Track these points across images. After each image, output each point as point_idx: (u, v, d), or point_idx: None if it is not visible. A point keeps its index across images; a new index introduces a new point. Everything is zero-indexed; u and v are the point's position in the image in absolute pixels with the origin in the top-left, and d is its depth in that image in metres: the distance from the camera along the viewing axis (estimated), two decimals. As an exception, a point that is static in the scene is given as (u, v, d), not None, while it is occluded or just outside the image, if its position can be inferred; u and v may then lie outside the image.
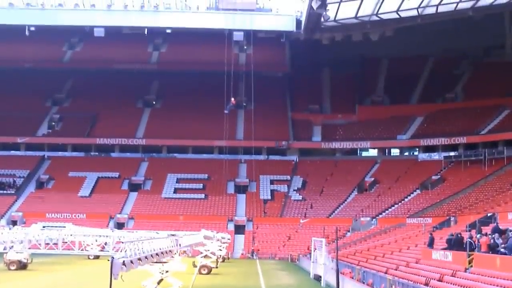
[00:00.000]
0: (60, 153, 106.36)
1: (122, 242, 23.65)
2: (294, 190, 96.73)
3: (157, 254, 24.25)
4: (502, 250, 31.89)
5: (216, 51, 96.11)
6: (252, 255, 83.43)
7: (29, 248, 43.66)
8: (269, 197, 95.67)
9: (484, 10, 77.53)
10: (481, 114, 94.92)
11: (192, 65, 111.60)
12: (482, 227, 42.49)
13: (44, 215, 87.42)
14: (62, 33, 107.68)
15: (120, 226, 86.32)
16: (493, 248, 32.99)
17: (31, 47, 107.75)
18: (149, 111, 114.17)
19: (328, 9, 74.39)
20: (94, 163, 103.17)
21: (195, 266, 49.98)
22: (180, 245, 27.95)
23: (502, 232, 34.89)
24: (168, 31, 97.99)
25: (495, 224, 41.67)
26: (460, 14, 77.71)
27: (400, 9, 75.68)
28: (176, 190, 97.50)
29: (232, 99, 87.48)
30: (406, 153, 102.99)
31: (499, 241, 33.10)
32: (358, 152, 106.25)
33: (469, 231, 41.29)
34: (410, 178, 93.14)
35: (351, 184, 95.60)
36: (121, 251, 20.90)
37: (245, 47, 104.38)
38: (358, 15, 78.01)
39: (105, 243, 49.67)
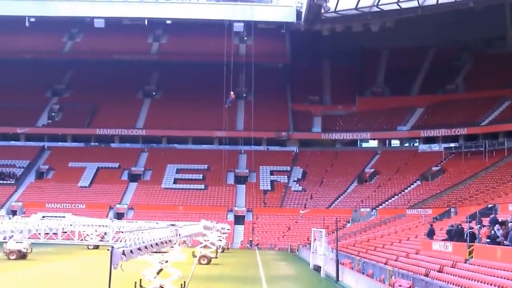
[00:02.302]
0: (60, 144, 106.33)
1: (122, 232, 23.66)
2: (294, 181, 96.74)
3: (156, 244, 24.19)
4: (505, 242, 31.83)
5: (216, 42, 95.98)
6: (250, 245, 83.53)
7: (29, 238, 43.75)
8: (269, 188, 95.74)
9: (485, 1, 77.43)
10: (482, 105, 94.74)
11: (192, 56, 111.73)
12: (482, 218, 42.46)
13: (44, 205, 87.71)
14: (62, 24, 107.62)
15: (119, 216, 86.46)
16: (493, 239, 32.94)
17: (31, 38, 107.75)
18: (149, 102, 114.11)
19: (328, 0, 74.42)
20: (94, 154, 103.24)
21: (194, 256, 50.09)
22: (179, 235, 27.90)
23: (501, 224, 34.83)
24: (168, 22, 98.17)
25: (492, 215, 41.61)
26: (460, 5, 77.52)
27: (401, 0, 75.51)
28: (176, 181, 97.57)
29: (232, 93, 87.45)
30: (406, 144, 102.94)
31: (500, 232, 33.05)
32: (358, 143, 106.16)
33: (470, 222, 41.23)
34: (410, 169, 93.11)
35: (351, 175, 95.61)
36: (120, 241, 20.87)
37: (245, 38, 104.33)
38: (359, 6, 77.89)
39: (105, 233, 49.81)
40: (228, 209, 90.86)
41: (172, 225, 28.39)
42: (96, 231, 53.82)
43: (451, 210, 68.24)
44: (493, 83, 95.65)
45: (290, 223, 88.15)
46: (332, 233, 65.54)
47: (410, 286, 30.54)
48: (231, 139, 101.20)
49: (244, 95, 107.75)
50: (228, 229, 66.95)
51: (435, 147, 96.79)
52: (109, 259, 18.79)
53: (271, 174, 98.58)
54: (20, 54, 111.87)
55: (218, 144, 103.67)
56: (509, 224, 32.99)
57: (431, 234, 43.67)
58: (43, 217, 55.56)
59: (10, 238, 45.29)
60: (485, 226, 36.85)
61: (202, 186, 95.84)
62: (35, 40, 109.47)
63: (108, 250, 19.16)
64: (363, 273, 40.72)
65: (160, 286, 26.31)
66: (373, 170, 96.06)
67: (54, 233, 42.82)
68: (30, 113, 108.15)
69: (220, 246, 61.47)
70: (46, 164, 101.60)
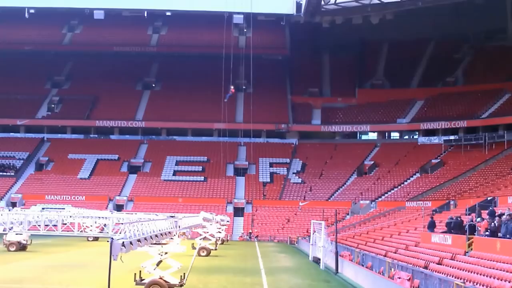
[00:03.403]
0: (59, 135, 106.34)
1: (122, 224, 23.65)
2: (293, 173, 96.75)
3: (156, 235, 24.23)
4: (499, 234, 31.88)
5: (216, 34, 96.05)
6: (250, 237, 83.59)
7: (29, 230, 43.76)
8: (269, 180, 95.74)
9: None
10: (482, 98, 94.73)
11: (192, 48, 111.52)
12: (482, 211, 42.48)
13: (43, 197, 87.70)
14: (61, 15, 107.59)
15: (119, 208, 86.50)
16: (492, 232, 32.97)
17: (30, 30, 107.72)
18: (149, 94, 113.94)
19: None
20: (94, 145, 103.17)
21: (194, 248, 50.06)
22: (179, 227, 27.92)
23: (499, 216, 34.86)
24: (168, 13, 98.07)
25: (491, 208, 41.67)
26: (461, -3, 77.51)
27: (401, -8, 75.53)
28: (175, 173, 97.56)
29: (231, 87, 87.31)
30: (406, 137, 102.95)
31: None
32: (358, 135, 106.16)
33: (469, 214, 41.25)
34: (409, 161, 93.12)
35: (350, 167, 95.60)
36: (120, 233, 20.87)
37: (245, 30, 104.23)
38: (359, -2, 77.87)
39: (104, 225, 49.80)
40: (227, 201, 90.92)
41: (172, 216, 28.43)
42: (95, 222, 53.88)
43: (451, 203, 68.27)
44: (493, 75, 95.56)
45: (289, 215, 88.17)
46: (332, 225, 65.60)
47: (410, 278, 30.57)
48: (231, 131, 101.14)
49: (244, 87, 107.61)
50: (228, 221, 67.10)
51: (435, 139, 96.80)
52: (109, 251, 18.81)
53: (270, 166, 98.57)
54: (19, 46, 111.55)
55: (218, 136, 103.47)
56: (504, 217, 32.98)
57: (431, 226, 43.74)
58: (42, 208, 55.70)
59: (10, 229, 45.32)
60: (484, 219, 36.86)
61: (202, 178, 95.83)
62: (34, 32, 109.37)
63: (107, 241, 19.18)
64: (362, 265, 40.78)
65: (160, 278, 26.36)
66: (372, 162, 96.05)
67: (54, 225, 42.80)
68: (29, 105, 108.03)
69: (219, 238, 61.53)
70: (45, 156, 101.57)
